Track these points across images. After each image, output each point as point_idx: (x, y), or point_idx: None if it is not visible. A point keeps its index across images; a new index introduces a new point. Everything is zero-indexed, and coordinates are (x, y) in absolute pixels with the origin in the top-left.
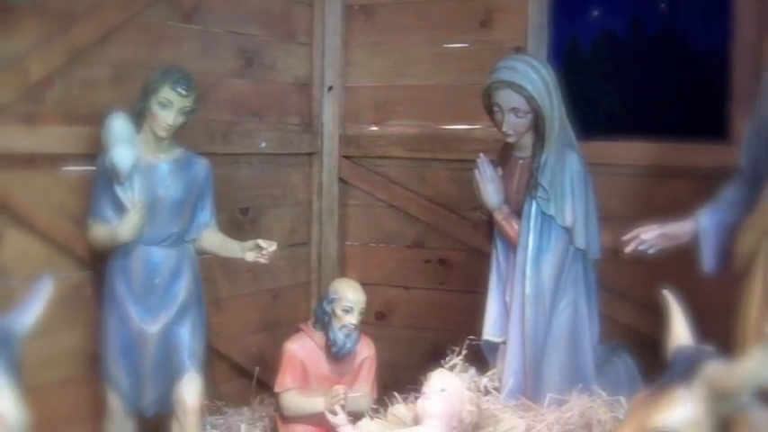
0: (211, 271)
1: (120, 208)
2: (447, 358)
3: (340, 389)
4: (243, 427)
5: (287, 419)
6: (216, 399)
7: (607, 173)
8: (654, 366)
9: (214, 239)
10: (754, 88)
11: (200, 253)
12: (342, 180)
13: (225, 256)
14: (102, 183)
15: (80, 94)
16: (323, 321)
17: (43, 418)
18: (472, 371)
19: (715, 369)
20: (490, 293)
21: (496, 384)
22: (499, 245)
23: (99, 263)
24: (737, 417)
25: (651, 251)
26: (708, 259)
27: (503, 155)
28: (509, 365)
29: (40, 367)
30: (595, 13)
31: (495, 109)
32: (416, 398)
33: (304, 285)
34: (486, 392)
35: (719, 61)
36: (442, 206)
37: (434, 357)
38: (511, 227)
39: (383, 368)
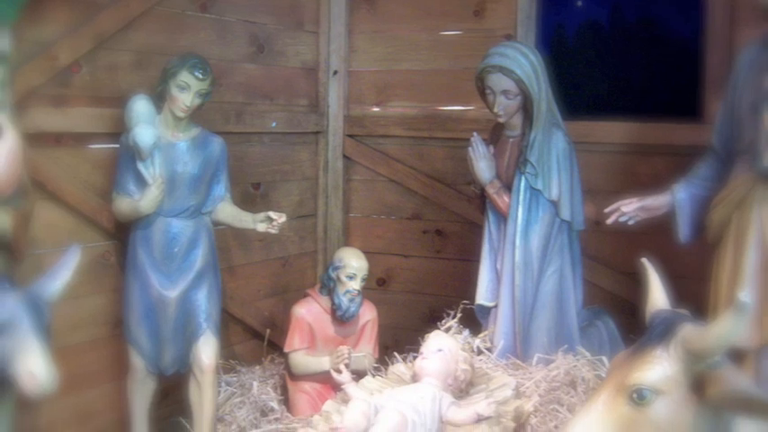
0: (226, 240)
1: (141, 182)
2: (443, 321)
3: (344, 349)
4: (255, 384)
5: (295, 377)
6: (230, 358)
7: (590, 150)
8: (633, 329)
9: (228, 211)
10: (726, 73)
11: (216, 224)
12: (346, 157)
13: (238, 227)
14: (125, 159)
15: (105, 78)
16: (328, 287)
17: (71, 377)
18: (466, 333)
19: (690, 331)
20: (483, 261)
21: (488, 345)
22: (491, 217)
23: (122, 233)
24: (710, 374)
25: (631, 222)
26: (683, 230)
27: (494, 134)
28: (500, 328)
29: (69, 329)
30: (579, 2)
31: (488, 91)
32: (415, 357)
33: (311, 254)
34: (479, 352)
35: (693, 47)
36: (438, 181)
37: (431, 320)
38: (502, 200)
39: (384, 330)
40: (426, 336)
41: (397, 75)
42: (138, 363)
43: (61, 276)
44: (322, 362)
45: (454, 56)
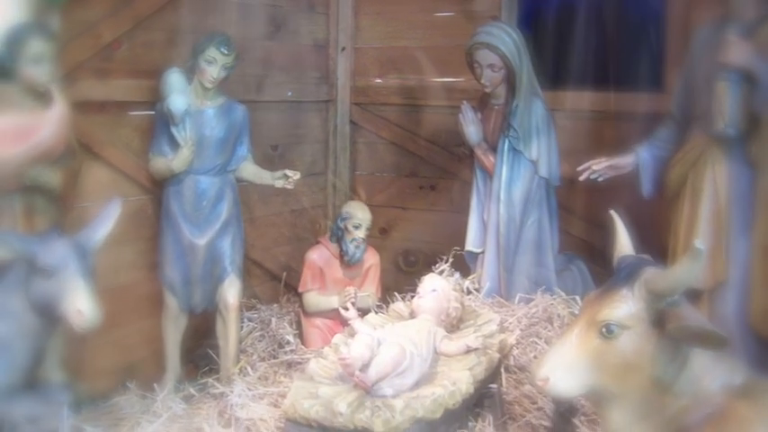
0: (248, 195)
1: (174, 144)
2: (437, 265)
3: (351, 290)
4: (273, 320)
5: (308, 314)
6: (251, 298)
7: (565, 117)
8: (602, 272)
9: (250, 170)
10: (684, 49)
11: (239, 181)
12: (352, 122)
13: (258, 183)
14: (160, 124)
15: (142, 53)
16: (337, 235)
17: (113, 314)
18: (457, 275)
19: (652, 274)
20: (471, 213)
21: (476, 286)
22: (478, 174)
23: (158, 188)
24: (669, 311)
25: (600, 179)
26: (646, 186)
27: (482, 102)
28: (486, 271)
29: (112, 272)
30: None
31: (476, 65)
32: (412, 297)
33: (322, 207)
34: (468, 292)
35: (656, 27)
36: (433, 143)
37: (426, 265)
38: (488, 160)
39: (385, 273)
40: (422, 278)
41: (397, 51)
42: (171, 302)
43: (104, 226)
44: (331, 300)
45: (446, 34)
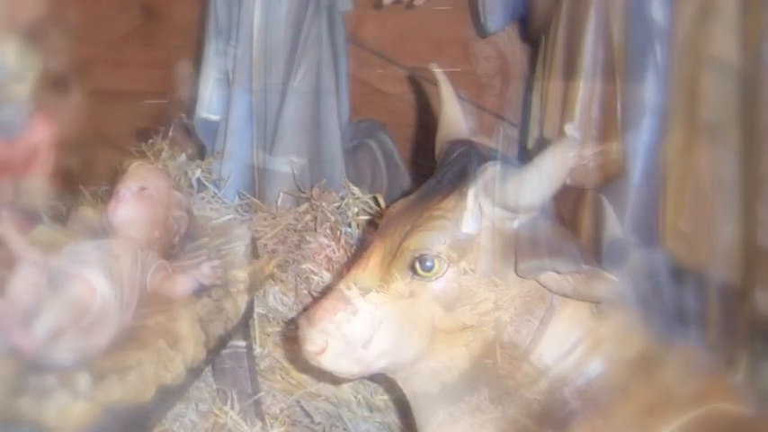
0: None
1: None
2: (149, 141)
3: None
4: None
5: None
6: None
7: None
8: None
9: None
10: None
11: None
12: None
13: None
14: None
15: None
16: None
17: None
18: (183, 157)
19: (499, 173)
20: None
21: (217, 178)
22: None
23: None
24: (525, 239)
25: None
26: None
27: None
28: (230, 152)
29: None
30: None
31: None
32: (106, 193)
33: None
34: (200, 188)
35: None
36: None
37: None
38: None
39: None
40: (124, 167)
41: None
42: None
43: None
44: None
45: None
